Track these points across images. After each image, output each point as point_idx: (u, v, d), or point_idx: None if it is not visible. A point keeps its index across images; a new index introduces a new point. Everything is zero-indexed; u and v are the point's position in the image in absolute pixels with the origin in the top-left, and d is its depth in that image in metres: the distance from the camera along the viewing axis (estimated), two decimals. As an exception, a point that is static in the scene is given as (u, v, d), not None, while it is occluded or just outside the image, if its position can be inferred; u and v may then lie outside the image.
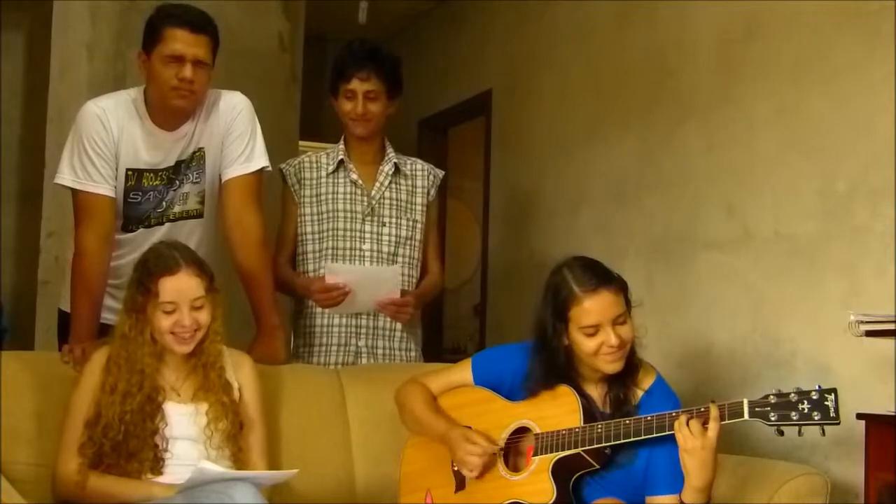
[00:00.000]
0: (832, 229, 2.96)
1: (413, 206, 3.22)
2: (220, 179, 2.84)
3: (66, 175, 2.69)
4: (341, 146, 3.21)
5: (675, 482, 2.25)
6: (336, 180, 3.17)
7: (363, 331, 3.14)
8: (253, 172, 2.82)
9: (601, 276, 2.34)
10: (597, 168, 4.09)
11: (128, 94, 2.76)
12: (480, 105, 5.16)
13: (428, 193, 3.27)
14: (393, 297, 3.06)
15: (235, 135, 2.80)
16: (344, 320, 3.12)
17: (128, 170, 2.72)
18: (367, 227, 3.15)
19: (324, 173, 3.18)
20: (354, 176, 3.18)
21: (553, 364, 2.39)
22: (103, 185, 2.68)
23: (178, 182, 2.79)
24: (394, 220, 3.18)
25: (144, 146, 2.73)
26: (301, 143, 4.71)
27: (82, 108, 2.72)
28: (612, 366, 2.34)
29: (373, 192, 3.18)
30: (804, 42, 3.10)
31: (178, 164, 2.78)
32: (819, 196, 3.01)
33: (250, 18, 4.37)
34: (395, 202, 3.20)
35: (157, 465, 2.29)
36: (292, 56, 4.57)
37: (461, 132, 5.81)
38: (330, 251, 3.12)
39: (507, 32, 4.94)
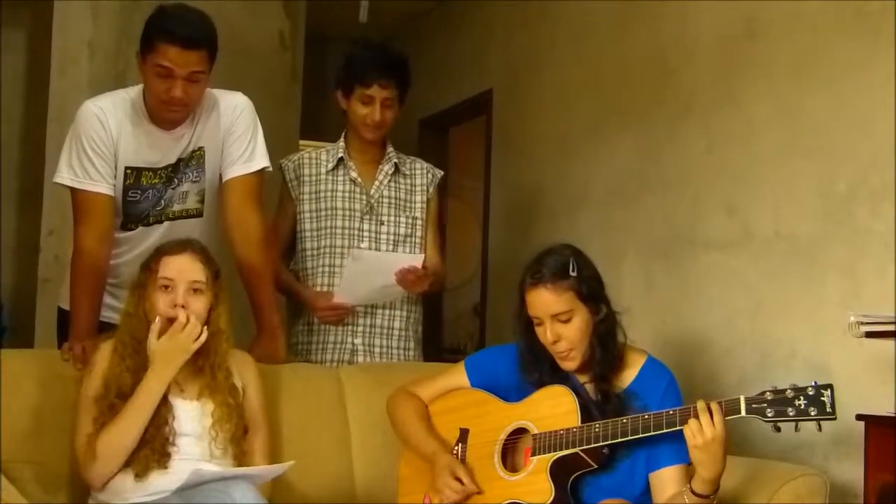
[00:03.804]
0: (832, 230, 2.96)
1: (412, 204, 3.22)
2: (221, 179, 2.84)
3: (65, 174, 2.69)
4: (342, 143, 3.21)
5: (679, 454, 2.27)
6: (335, 178, 3.17)
7: (360, 329, 3.15)
8: (254, 172, 2.81)
9: (551, 271, 2.35)
10: (597, 168, 4.09)
11: (126, 94, 2.75)
12: (481, 104, 5.15)
13: (427, 190, 3.27)
14: (414, 266, 3.05)
15: (236, 135, 2.80)
16: None
17: (126, 168, 2.72)
18: (366, 226, 3.15)
19: (323, 170, 3.18)
20: (354, 174, 3.18)
21: (531, 351, 2.42)
22: (102, 184, 2.68)
23: (177, 181, 2.79)
24: (392, 218, 3.18)
25: (143, 145, 2.73)
26: (301, 142, 4.71)
27: (81, 107, 2.72)
28: (563, 363, 2.38)
29: (372, 191, 3.18)
30: (804, 42, 3.09)
31: (178, 162, 2.78)
32: (819, 196, 3.01)
33: (251, 17, 4.37)
34: (393, 201, 3.20)
35: (163, 459, 2.29)
36: (293, 55, 4.57)
37: (462, 131, 5.81)
38: (328, 249, 3.13)
39: (508, 32, 4.94)
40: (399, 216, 3.20)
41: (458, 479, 2.37)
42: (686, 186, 3.55)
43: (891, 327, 2.51)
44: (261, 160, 2.82)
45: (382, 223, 3.17)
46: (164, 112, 2.67)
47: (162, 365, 2.30)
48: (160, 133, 2.74)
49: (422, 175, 3.28)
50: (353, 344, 3.14)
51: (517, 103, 4.82)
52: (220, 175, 2.83)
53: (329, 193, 3.17)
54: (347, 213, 3.15)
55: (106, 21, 4.09)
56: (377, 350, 3.16)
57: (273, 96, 4.26)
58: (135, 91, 2.75)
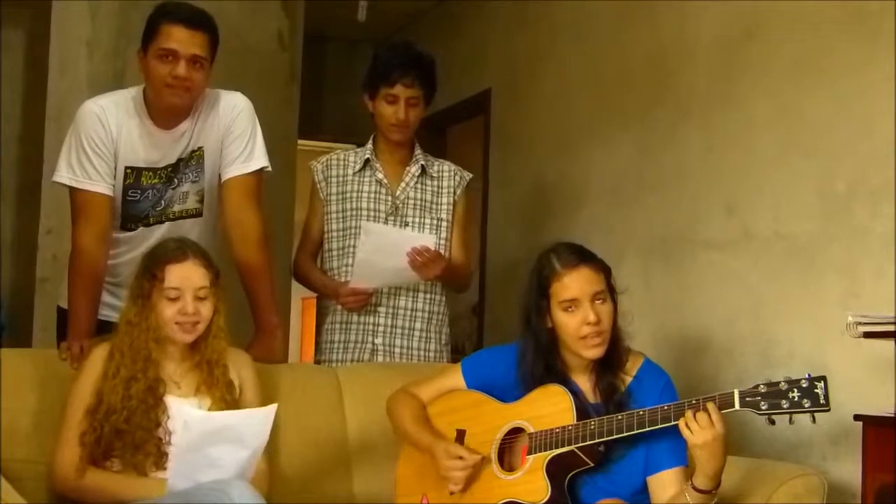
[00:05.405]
0: (832, 230, 2.96)
1: (438, 206, 3.23)
2: (220, 179, 2.84)
3: (64, 173, 2.69)
4: (370, 145, 3.23)
5: (677, 455, 2.27)
6: (362, 179, 3.19)
7: (380, 329, 3.16)
8: (252, 172, 2.82)
9: (582, 255, 2.39)
10: (596, 168, 4.09)
11: (127, 93, 2.76)
12: (479, 104, 5.15)
13: (454, 193, 3.27)
14: (426, 246, 3.04)
15: (235, 135, 2.80)
16: (362, 318, 3.15)
17: (126, 168, 2.72)
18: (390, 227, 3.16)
19: (351, 171, 3.20)
20: (380, 175, 3.19)
21: (539, 348, 2.40)
22: (101, 184, 2.68)
23: (176, 181, 2.79)
24: (417, 220, 3.19)
25: (143, 145, 2.73)
26: (300, 141, 4.71)
27: (81, 107, 2.73)
28: (592, 350, 2.35)
29: (397, 192, 3.19)
30: (804, 42, 3.09)
31: (178, 162, 2.78)
32: (819, 196, 3.01)
33: (250, 17, 4.37)
34: (419, 202, 3.21)
35: (160, 460, 2.29)
36: (291, 54, 4.56)
37: (460, 131, 5.80)
38: (352, 250, 3.13)
39: (507, 32, 4.94)
40: (424, 217, 3.20)
41: (459, 458, 2.38)
42: (685, 186, 3.55)
43: (889, 327, 2.51)
44: (259, 160, 2.83)
45: (407, 224, 3.18)
46: (166, 98, 2.66)
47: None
48: (161, 133, 2.74)
49: (449, 177, 3.28)
50: (373, 344, 3.15)
51: (516, 103, 4.82)
52: (220, 175, 2.83)
53: (355, 194, 3.18)
54: (372, 213, 3.16)
55: (104, 21, 4.08)
56: (397, 350, 3.16)
57: (271, 96, 4.25)
58: (135, 91, 2.75)
